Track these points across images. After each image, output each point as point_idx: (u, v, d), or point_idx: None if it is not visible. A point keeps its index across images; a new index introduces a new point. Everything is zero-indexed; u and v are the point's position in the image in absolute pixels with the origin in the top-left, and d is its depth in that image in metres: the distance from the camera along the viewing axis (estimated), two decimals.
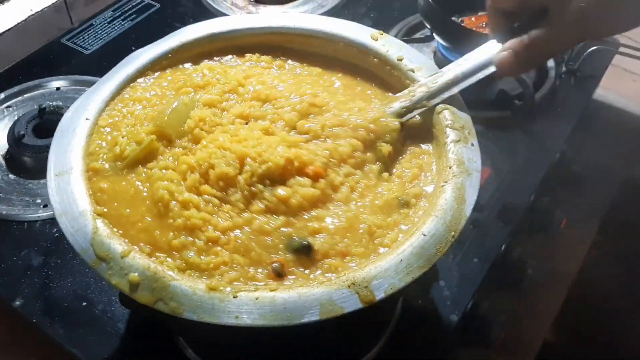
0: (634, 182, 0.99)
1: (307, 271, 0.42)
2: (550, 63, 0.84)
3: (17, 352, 0.61)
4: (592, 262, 0.76)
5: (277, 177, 0.45)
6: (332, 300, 0.40)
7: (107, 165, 0.48)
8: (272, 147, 0.47)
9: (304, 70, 0.57)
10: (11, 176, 0.70)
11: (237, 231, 0.44)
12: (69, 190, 0.45)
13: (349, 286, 0.40)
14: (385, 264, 0.41)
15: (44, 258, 0.63)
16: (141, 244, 0.43)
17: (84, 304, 0.60)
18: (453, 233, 0.43)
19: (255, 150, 0.46)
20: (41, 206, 0.67)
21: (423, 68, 0.55)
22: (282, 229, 0.44)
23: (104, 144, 0.49)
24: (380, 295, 0.40)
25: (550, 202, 0.72)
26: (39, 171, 0.70)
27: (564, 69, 0.82)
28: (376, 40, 0.57)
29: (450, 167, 0.47)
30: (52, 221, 0.66)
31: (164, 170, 0.47)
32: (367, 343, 0.57)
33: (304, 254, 0.43)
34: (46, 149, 0.69)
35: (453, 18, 0.83)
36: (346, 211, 0.45)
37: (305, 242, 0.43)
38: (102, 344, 0.57)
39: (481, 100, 0.79)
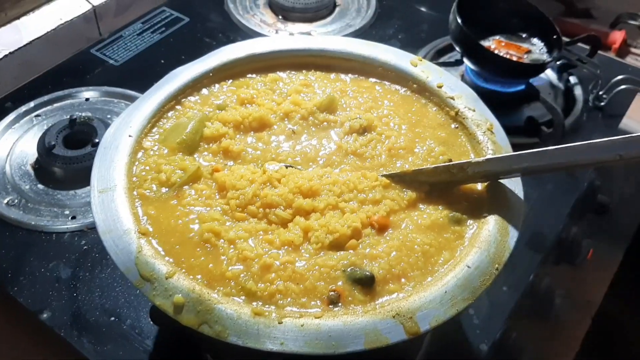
0: None
1: (366, 297, 0.42)
2: (578, 91, 0.84)
3: None
4: (615, 292, 0.76)
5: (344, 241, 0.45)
6: (377, 330, 0.39)
7: (153, 191, 0.47)
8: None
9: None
10: (40, 186, 0.70)
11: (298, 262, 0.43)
12: (113, 208, 0.45)
13: (394, 316, 0.40)
14: (430, 295, 0.41)
15: (72, 271, 0.63)
16: (197, 276, 0.42)
17: (112, 318, 0.59)
18: (497, 265, 0.43)
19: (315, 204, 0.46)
20: (70, 217, 0.67)
21: (463, 96, 0.55)
22: (341, 261, 0.43)
23: (147, 167, 0.49)
24: (425, 327, 0.40)
25: (578, 233, 0.72)
26: (69, 182, 0.70)
27: (590, 103, 0.82)
28: (416, 66, 0.57)
29: (493, 197, 0.47)
30: (80, 233, 0.66)
31: (206, 208, 0.46)
32: None
33: (367, 284, 0.42)
34: (76, 160, 0.70)
35: (483, 41, 0.83)
36: (399, 234, 0.45)
37: (368, 273, 0.42)
38: None
39: (510, 126, 0.78)
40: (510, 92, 0.82)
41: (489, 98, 0.81)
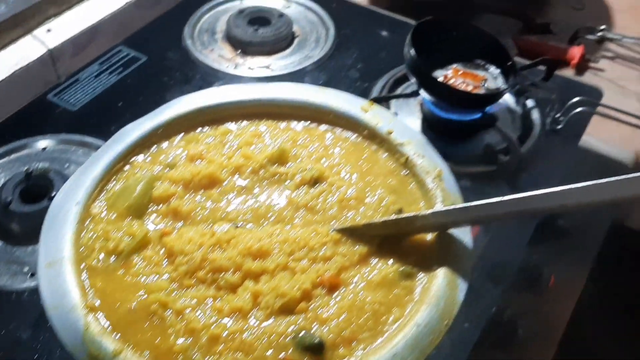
0: (622, 226, 1.00)
1: None
2: (535, 115, 0.85)
3: None
4: (580, 316, 0.76)
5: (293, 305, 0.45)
6: None
7: (100, 261, 0.47)
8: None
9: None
10: None
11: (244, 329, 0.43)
12: (60, 283, 0.45)
13: None
14: (380, 358, 0.41)
15: (32, 331, 0.62)
16: (145, 352, 0.42)
17: None
18: (446, 321, 0.44)
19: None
20: (29, 275, 0.66)
21: (412, 142, 0.55)
22: (291, 327, 0.43)
23: (95, 235, 0.49)
24: None
25: (539, 260, 0.72)
26: (27, 238, 0.69)
27: (547, 127, 0.83)
28: (367, 111, 0.58)
29: (442, 249, 0.48)
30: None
31: (155, 276, 0.46)
32: None
33: (317, 351, 0.42)
34: (34, 215, 0.69)
35: (441, 70, 0.84)
36: (349, 293, 0.45)
37: (317, 340, 0.42)
38: None
39: (468, 155, 0.80)
40: (468, 121, 0.82)
41: (447, 127, 0.83)
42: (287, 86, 0.60)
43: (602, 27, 1.13)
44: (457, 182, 0.76)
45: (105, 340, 0.41)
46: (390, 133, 0.56)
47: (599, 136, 0.96)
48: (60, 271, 0.45)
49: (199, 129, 0.57)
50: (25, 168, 0.73)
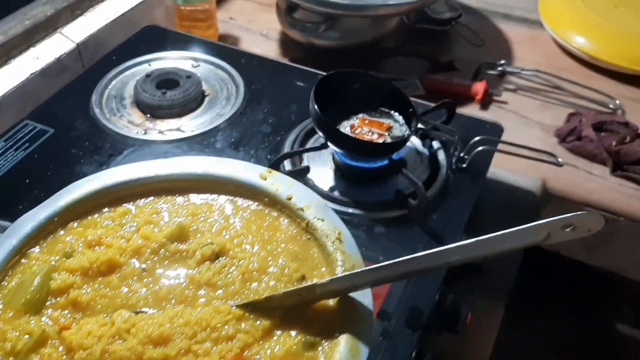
0: (536, 250, 1.04)
1: None
2: (441, 156, 0.88)
3: None
4: (500, 350, 0.79)
5: None
6: None
7: None
8: None
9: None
10: None
11: None
12: None
13: None
14: None
15: None
16: None
17: None
18: None
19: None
20: None
21: (312, 206, 0.56)
22: None
23: None
24: None
25: (455, 299, 0.74)
26: None
27: (454, 166, 0.86)
28: (265, 179, 0.59)
29: (344, 314, 0.48)
30: None
31: None
32: None
33: None
34: None
35: (348, 120, 0.86)
36: None
37: None
38: None
39: (380, 201, 0.82)
40: (376, 168, 0.85)
41: (358, 175, 0.85)
42: (186, 160, 0.60)
43: (502, 61, 1.19)
44: (372, 228, 0.79)
45: None
46: (290, 198, 0.57)
47: (506, 166, 1.00)
48: None
49: (97, 213, 0.57)
50: None
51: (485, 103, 1.13)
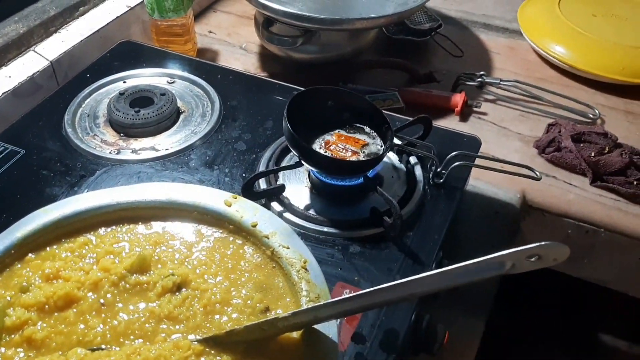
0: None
1: None
2: (418, 171, 0.87)
3: None
4: None
5: None
6: None
7: None
8: None
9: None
10: None
11: None
12: None
13: None
14: None
15: None
16: None
17: None
18: None
19: None
20: None
21: (277, 233, 0.55)
22: None
23: None
24: None
25: (431, 319, 0.73)
26: None
27: (430, 181, 0.85)
28: (230, 205, 0.57)
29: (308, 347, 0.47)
30: None
31: None
32: None
33: None
34: None
35: (325, 136, 0.85)
36: None
37: None
38: None
39: (356, 219, 0.81)
40: (352, 185, 0.83)
41: (333, 193, 0.84)
42: (149, 186, 0.59)
43: (481, 72, 1.18)
44: (348, 247, 0.77)
45: None
46: (255, 225, 0.55)
47: (485, 179, 0.99)
48: None
49: (56, 244, 0.55)
50: None
51: (464, 115, 1.12)
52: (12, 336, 0.48)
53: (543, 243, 0.41)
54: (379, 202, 0.82)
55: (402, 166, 0.89)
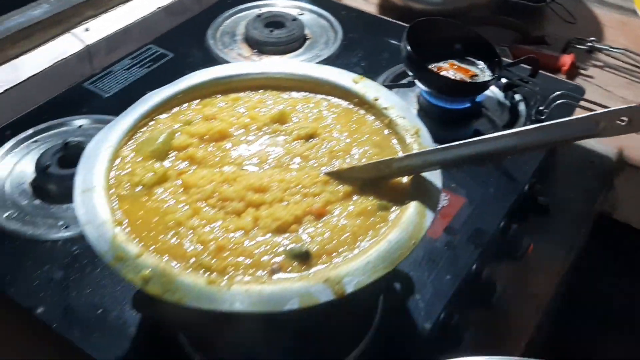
0: (607, 218, 1.07)
1: (302, 269, 0.50)
2: (521, 107, 0.93)
3: (38, 355, 0.69)
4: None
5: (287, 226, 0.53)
6: (309, 292, 0.47)
7: (127, 190, 0.56)
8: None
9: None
10: (37, 201, 0.79)
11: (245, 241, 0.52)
12: (92, 205, 0.53)
13: (324, 282, 0.48)
14: (355, 265, 0.49)
15: (64, 272, 0.71)
16: (163, 256, 0.50)
17: (99, 311, 0.67)
18: (414, 241, 0.51)
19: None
20: (63, 227, 0.76)
21: (396, 106, 0.64)
22: (284, 241, 0.52)
23: (123, 172, 0.58)
24: (349, 289, 0.48)
25: (518, 230, 0.80)
26: (63, 197, 0.79)
27: (532, 117, 0.91)
28: (357, 83, 0.67)
29: (415, 188, 0.56)
30: (72, 240, 0.74)
31: (170, 202, 0.55)
32: (349, 345, 0.64)
33: (304, 259, 0.50)
34: (69, 178, 0.79)
35: (437, 63, 0.93)
36: (333, 219, 0.54)
37: (304, 250, 0.51)
38: (115, 346, 0.64)
39: (460, 138, 0.88)
40: (460, 109, 0.91)
41: (441, 115, 0.92)
42: (290, 63, 0.70)
43: (592, 38, 1.21)
44: None
45: (129, 246, 0.50)
46: (377, 100, 0.64)
47: None
48: (93, 196, 0.54)
49: (213, 96, 0.67)
50: (63, 140, 0.83)
51: (571, 75, 1.16)
52: (178, 153, 0.60)
53: (634, 105, 0.47)
54: (483, 127, 0.89)
55: (507, 102, 0.95)
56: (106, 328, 0.66)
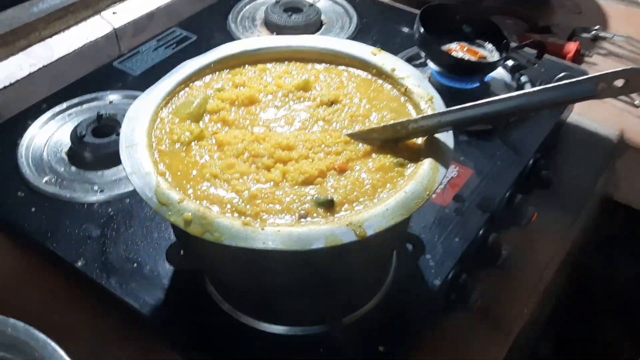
0: (609, 200, 1.12)
1: (327, 215, 0.55)
2: (528, 88, 0.98)
3: (79, 304, 0.75)
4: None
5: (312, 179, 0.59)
6: (334, 234, 0.53)
7: (167, 147, 0.62)
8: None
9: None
10: (73, 168, 0.85)
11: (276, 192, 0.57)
12: (137, 158, 0.59)
13: (347, 225, 0.53)
14: (375, 212, 0.54)
15: (101, 230, 0.77)
16: (203, 202, 0.56)
17: (135, 265, 0.73)
18: (428, 192, 0.57)
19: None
20: (98, 191, 0.81)
21: (412, 76, 0.69)
22: (310, 191, 0.57)
23: (163, 131, 0.64)
24: (370, 232, 0.53)
25: (523, 200, 0.85)
26: (97, 164, 0.84)
27: None
28: (375, 55, 0.72)
29: (429, 148, 0.61)
30: (107, 203, 0.80)
31: (206, 157, 0.61)
32: (366, 295, 0.70)
33: (328, 206, 0.56)
34: (103, 146, 0.85)
35: (448, 44, 0.98)
36: (354, 173, 0.59)
37: (329, 198, 0.56)
38: (150, 295, 0.70)
39: None
40: (469, 89, 0.96)
41: (451, 94, 0.97)
42: (313, 37, 0.75)
43: (596, 27, 1.26)
44: (458, 136, 0.90)
45: (171, 193, 0.55)
46: (394, 70, 0.70)
47: (587, 115, 1.08)
48: (137, 150, 0.59)
49: (242, 66, 0.72)
50: (97, 112, 0.89)
51: (575, 62, 1.21)
52: (212, 116, 0.66)
53: (630, 67, 0.52)
54: None
55: (514, 84, 1.00)
56: (141, 279, 0.71)
